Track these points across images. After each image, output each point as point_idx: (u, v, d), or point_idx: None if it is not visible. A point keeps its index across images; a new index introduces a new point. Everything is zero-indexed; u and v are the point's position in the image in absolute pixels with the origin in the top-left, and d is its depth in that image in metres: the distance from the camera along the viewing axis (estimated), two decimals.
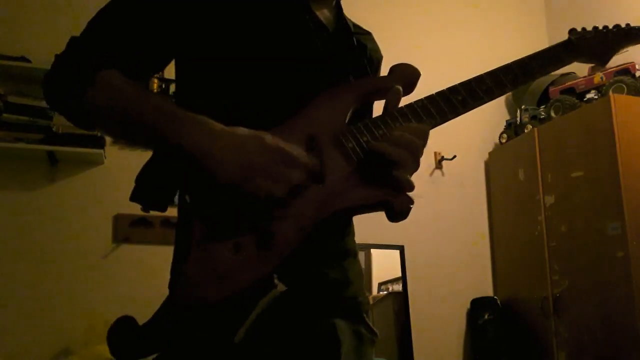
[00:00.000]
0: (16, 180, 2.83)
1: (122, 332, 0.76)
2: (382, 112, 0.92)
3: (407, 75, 0.94)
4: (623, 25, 1.12)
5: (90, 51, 0.88)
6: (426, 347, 3.25)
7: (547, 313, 3.07)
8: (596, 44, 1.09)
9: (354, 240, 1.05)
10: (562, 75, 3.50)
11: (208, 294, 0.75)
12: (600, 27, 1.11)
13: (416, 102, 0.92)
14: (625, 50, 1.12)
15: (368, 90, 0.94)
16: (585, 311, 2.86)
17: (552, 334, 3.03)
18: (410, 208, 0.85)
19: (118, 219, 2.88)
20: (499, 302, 3.44)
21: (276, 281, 0.77)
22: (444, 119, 0.93)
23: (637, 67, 3.10)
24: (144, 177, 0.82)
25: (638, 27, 1.12)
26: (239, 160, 0.76)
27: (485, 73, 0.97)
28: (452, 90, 0.94)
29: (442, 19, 3.92)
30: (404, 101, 0.93)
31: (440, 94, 0.94)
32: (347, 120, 0.90)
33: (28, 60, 2.82)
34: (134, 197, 0.81)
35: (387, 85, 0.93)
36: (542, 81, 3.57)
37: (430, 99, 0.93)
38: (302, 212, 0.81)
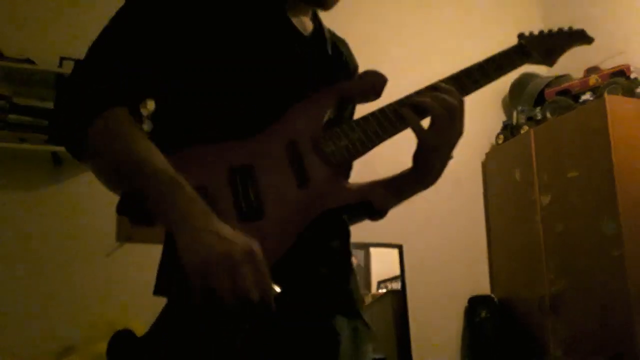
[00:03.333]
0: (21, 180, 2.84)
1: (121, 346, 0.78)
2: (357, 117, 0.97)
3: (375, 81, 0.98)
4: (565, 29, 1.17)
5: (95, 89, 0.87)
6: (424, 344, 3.26)
7: (544, 311, 3.09)
8: (544, 46, 1.13)
9: (349, 241, 1.06)
10: (558, 77, 3.52)
11: (207, 305, 0.74)
12: (546, 31, 1.15)
13: (387, 106, 0.96)
14: (571, 48, 1.17)
15: (342, 95, 0.97)
16: (581, 309, 2.87)
17: (549, 332, 3.05)
18: (388, 207, 0.89)
19: (121, 218, 2.84)
20: (496, 300, 3.44)
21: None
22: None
23: (632, 69, 3.11)
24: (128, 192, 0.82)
25: (579, 30, 1.18)
26: (207, 254, 0.71)
27: (447, 77, 1.01)
28: (420, 93, 0.98)
29: (432, 18, 3.94)
30: (375, 105, 0.98)
31: (409, 97, 0.98)
32: (323, 125, 0.93)
33: (33, 62, 2.83)
34: (120, 211, 0.82)
35: (360, 90, 0.98)
36: (538, 83, 3.59)
37: (401, 102, 0.97)
38: (287, 217, 0.83)
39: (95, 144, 0.84)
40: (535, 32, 1.14)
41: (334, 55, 1.10)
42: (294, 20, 1.05)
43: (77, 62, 0.93)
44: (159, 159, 0.81)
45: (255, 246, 0.73)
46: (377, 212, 0.90)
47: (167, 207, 0.76)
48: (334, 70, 1.07)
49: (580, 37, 1.18)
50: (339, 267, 1.00)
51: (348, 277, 1.01)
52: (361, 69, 1.08)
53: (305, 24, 1.08)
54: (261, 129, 0.89)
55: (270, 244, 0.79)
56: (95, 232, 2.88)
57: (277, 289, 0.74)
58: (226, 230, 0.73)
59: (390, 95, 1.01)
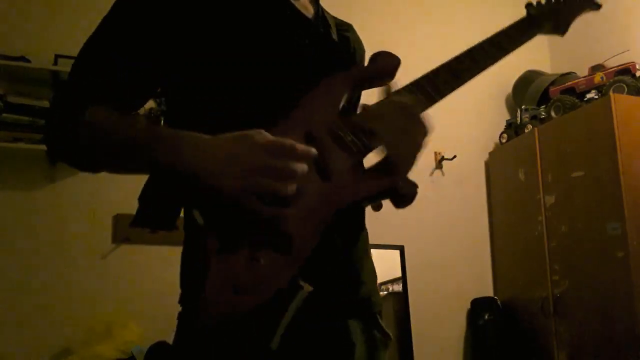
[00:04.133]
0: (16, 180, 2.84)
1: (158, 356, 0.78)
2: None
3: (387, 63, 0.95)
4: None
5: (75, 94, 0.88)
6: (426, 347, 3.25)
7: (547, 313, 3.08)
8: (553, 14, 1.12)
9: (367, 240, 1.05)
10: (562, 75, 3.51)
11: (235, 308, 0.75)
12: None
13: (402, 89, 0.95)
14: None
15: (356, 81, 0.94)
16: (585, 311, 2.87)
17: (553, 334, 3.04)
18: (416, 192, 0.86)
19: (118, 219, 2.88)
20: (499, 302, 3.45)
21: (301, 282, 0.76)
22: (431, 101, 0.95)
23: (637, 67, 3.10)
24: (147, 198, 0.80)
25: None
26: (233, 169, 0.74)
27: (462, 54, 1.00)
28: (434, 72, 0.97)
29: (432, 5, 3.93)
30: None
31: (425, 77, 0.96)
32: (339, 113, 0.90)
33: (28, 60, 2.82)
34: (139, 221, 0.80)
35: (374, 73, 0.95)
36: (542, 81, 3.57)
37: (415, 84, 0.95)
38: (315, 210, 0.81)
39: (86, 146, 0.86)
40: (543, 1, 1.13)
41: (339, 41, 1.09)
42: (299, 5, 1.04)
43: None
44: (138, 124, 0.85)
45: (253, 136, 0.75)
46: (404, 199, 0.87)
47: (178, 158, 0.77)
48: (339, 53, 1.06)
49: (588, 2, 1.17)
50: (356, 268, 0.98)
51: (365, 279, 1.00)
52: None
53: (307, 7, 1.07)
54: (272, 120, 0.85)
55: (299, 241, 0.78)
56: (92, 234, 2.89)
57: (310, 287, 0.75)
58: (226, 142, 0.77)
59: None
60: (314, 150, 0.78)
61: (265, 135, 0.76)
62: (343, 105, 0.92)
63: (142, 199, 0.80)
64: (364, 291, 0.98)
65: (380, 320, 1.01)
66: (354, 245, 0.99)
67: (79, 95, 0.87)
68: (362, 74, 0.96)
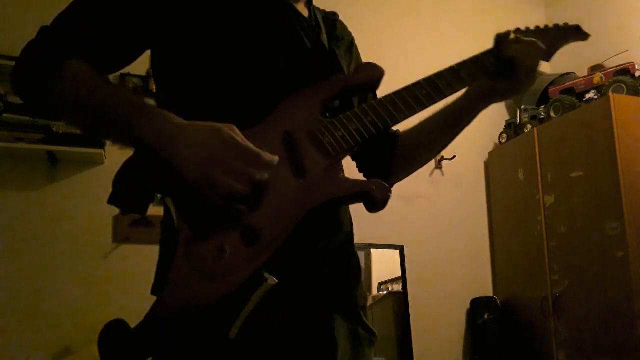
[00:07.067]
0: (16, 180, 2.84)
1: (113, 336, 0.77)
2: (355, 108, 0.97)
3: (373, 74, 0.98)
4: (561, 24, 1.17)
5: (58, 42, 0.89)
6: (426, 347, 3.27)
7: (546, 313, 3.09)
8: (541, 37, 1.12)
9: (352, 235, 1.05)
10: (562, 75, 3.51)
11: (199, 295, 0.76)
12: (542, 27, 1.15)
13: (384, 97, 0.97)
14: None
15: (339, 87, 0.96)
16: (584, 311, 2.88)
17: (552, 333, 3.05)
18: (389, 197, 0.87)
19: (118, 219, 2.89)
20: (498, 302, 3.46)
21: (266, 275, 0.77)
22: (412, 112, 0.98)
23: (636, 67, 3.11)
24: (120, 180, 0.81)
25: (575, 25, 1.18)
26: (199, 156, 0.76)
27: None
28: (417, 85, 1.00)
29: (432, 16, 3.94)
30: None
31: (406, 88, 0.99)
32: (320, 116, 0.93)
33: None
34: (111, 200, 0.81)
35: (358, 82, 0.98)
36: (542, 81, 3.57)
37: (396, 93, 0.98)
38: (285, 206, 0.82)
39: (60, 96, 0.86)
40: (532, 28, 1.14)
41: (329, 37, 1.11)
42: (296, 6, 1.06)
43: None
44: (120, 91, 0.87)
45: (227, 132, 0.77)
46: (377, 204, 0.86)
47: (153, 129, 0.80)
48: (328, 57, 1.07)
49: (576, 33, 1.18)
50: (338, 263, 0.99)
51: (349, 274, 1.01)
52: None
53: (303, 8, 1.09)
54: (261, 116, 0.88)
55: (267, 235, 0.79)
56: (92, 234, 2.89)
57: (274, 280, 0.76)
58: (199, 129, 0.78)
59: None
60: (276, 159, 0.79)
61: (236, 134, 0.77)
62: (327, 108, 0.94)
63: (116, 180, 0.81)
64: (346, 286, 1.00)
65: (364, 318, 1.01)
66: (332, 242, 0.99)
67: (62, 44, 0.88)
68: (348, 82, 0.98)
